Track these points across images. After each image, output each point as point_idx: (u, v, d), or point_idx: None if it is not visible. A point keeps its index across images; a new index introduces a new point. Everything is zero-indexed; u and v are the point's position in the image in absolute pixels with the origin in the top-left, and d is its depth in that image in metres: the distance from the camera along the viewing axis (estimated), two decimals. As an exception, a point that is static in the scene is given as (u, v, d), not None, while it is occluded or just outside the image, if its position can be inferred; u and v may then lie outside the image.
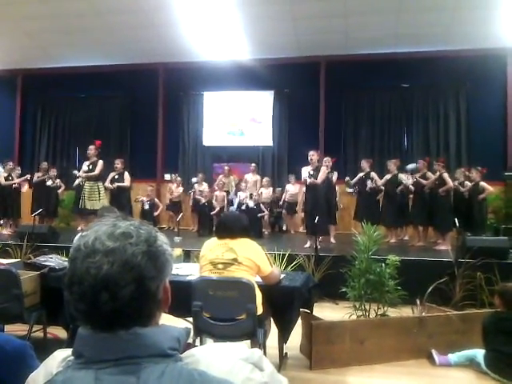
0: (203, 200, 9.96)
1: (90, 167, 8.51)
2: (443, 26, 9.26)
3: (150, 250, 0.86)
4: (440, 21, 9.07)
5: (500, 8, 8.43)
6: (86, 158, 12.43)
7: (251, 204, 9.38)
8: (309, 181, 7.40)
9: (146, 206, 9.93)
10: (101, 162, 8.54)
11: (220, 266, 3.21)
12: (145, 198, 10.03)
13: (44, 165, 10.55)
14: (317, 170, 7.48)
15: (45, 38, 10.30)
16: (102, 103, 12.56)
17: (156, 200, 10.38)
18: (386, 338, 4.02)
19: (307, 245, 7.41)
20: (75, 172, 9.34)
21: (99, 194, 8.41)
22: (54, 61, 11.74)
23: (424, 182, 8.09)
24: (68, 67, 11.94)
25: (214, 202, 10.04)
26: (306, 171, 7.57)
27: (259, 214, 9.54)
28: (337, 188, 10.10)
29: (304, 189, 8.09)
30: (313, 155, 7.52)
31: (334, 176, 8.48)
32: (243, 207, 9.38)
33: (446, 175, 7.91)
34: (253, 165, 10.84)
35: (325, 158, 8.14)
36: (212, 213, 9.84)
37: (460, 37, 9.59)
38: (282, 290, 3.49)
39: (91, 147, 8.61)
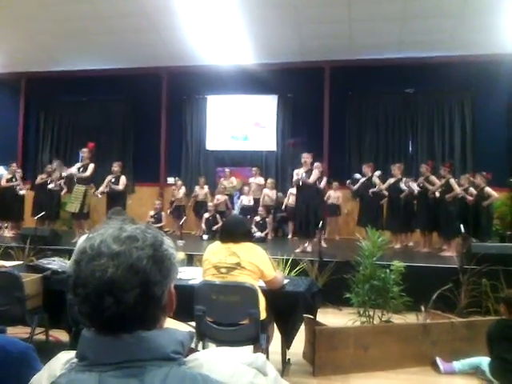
0: (211, 212, 10.03)
1: (81, 170, 8.39)
2: (448, 32, 9.25)
3: (155, 255, 0.85)
4: (445, 27, 9.07)
5: (505, 14, 8.42)
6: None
7: (257, 234, 9.42)
8: (303, 178, 7.44)
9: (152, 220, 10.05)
10: (92, 166, 8.38)
11: (223, 270, 3.19)
12: (152, 220, 10.07)
13: (49, 168, 10.54)
14: (309, 172, 7.59)
15: (48, 41, 10.33)
16: (106, 107, 12.59)
17: (163, 214, 10.50)
18: (390, 344, 3.98)
19: (299, 249, 7.42)
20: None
21: (82, 197, 8.27)
22: (58, 64, 11.77)
23: (431, 187, 8.04)
24: (71, 71, 11.97)
25: (210, 203, 10.24)
26: (297, 174, 7.62)
27: (263, 233, 9.68)
28: (339, 193, 10.12)
29: (295, 191, 8.17)
30: (307, 158, 7.64)
31: (323, 182, 8.42)
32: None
33: (452, 181, 7.86)
34: (254, 168, 10.81)
35: (316, 163, 8.12)
36: (206, 215, 9.99)
37: (465, 43, 9.58)
38: (286, 295, 3.47)
39: (84, 150, 8.50)
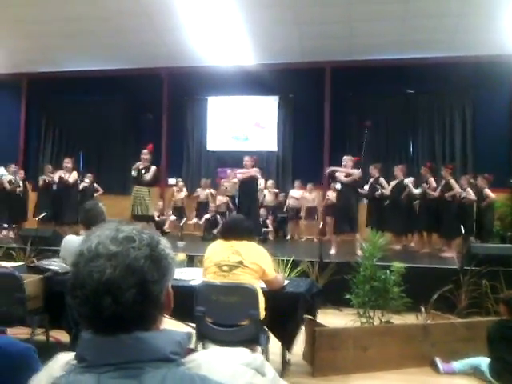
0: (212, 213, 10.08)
1: (143, 172, 8.21)
2: (448, 32, 9.24)
3: (152, 254, 0.86)
4: (445, 27, 9.06)
5: (505, 15, 8.41)
6: (91, 161, 12.52)
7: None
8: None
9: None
10: (154, 168, 8.24)
11: (225, 268, 3.19)
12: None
13: (49, 168, 10.51)
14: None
15: (49, 41, 10.32)
16: (107, 107, 12.57)
17: (165, 215, 10.59)
18: (390, 345, 3.98)
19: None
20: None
21: (148, 199, 8.11)
22: (59, 65, 11.79)
23: (433, 193, 8.06)
24: (73, 71, 11.97)
25: (211, 204, 10.30)
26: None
27: (264, 229, 9.63)
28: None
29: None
30: (247, 161, 8.59)
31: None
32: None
33: (453, 181, 7.87)
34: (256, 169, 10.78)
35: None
36: (207, 216, 10.03)
37: (465, 43, 9.57)
38: (286, 296, 3.47)
39: (145, 151, 8.32)
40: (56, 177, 9.62)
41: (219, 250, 3.28)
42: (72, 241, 3.67)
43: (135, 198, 8.08)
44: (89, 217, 3.48)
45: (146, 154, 8.28)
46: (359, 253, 7.04)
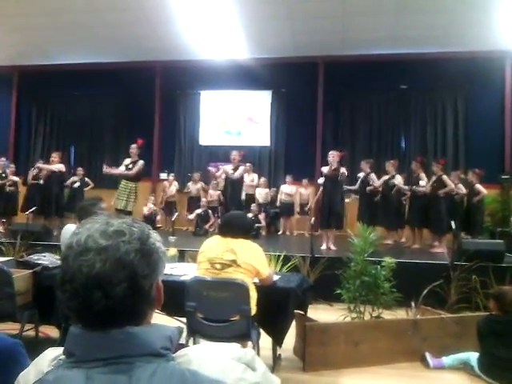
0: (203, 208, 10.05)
1: (130, 166, 8.08)
2: (442, 27, 9.28)
3: (142, 248, 0.85)
4: (438, 23, 9.09)
5: (499, 10, 8.45)
6: (83, 156, 12.47)
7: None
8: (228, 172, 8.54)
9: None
10: (141, 162, 8.07)
11: (218, 266, 3.16)
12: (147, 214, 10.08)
13: (40, 162, 10.40)
14: (236, 169, 8.59)
15: (41, 34, 10.24)
16: (99, 101, 12.52)
17: (157, 210, 10.55)
18: (380, 340, 4.00)
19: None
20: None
21: (128, 194, 8.13)
22: (51, 58, 11.71)
23: (421, 189, 8.09)
24: (64, 64, 11.91)
25: (203, 199, 10.29)
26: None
27: (256, 225, 9.61)
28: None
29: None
30: (235, 155, 8.62)
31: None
32: None
33: (445, 177, 7.90)
34: (248, 164, 10.78)
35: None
36: (198, 211, 10.01)
37: (458, 39, 9.62)
38: (277, 292, 3.46)
39: (133, 146, 8.19)
40: (43, 172, 9.53)
41: (214, 246, 3.25)
42: (68, 232, 3.60)
43: (120, 192, 8.05)
44: (84, 214, 3.44)
45: (134, 148, 8.22)
46: (332, 247, 7.41)
